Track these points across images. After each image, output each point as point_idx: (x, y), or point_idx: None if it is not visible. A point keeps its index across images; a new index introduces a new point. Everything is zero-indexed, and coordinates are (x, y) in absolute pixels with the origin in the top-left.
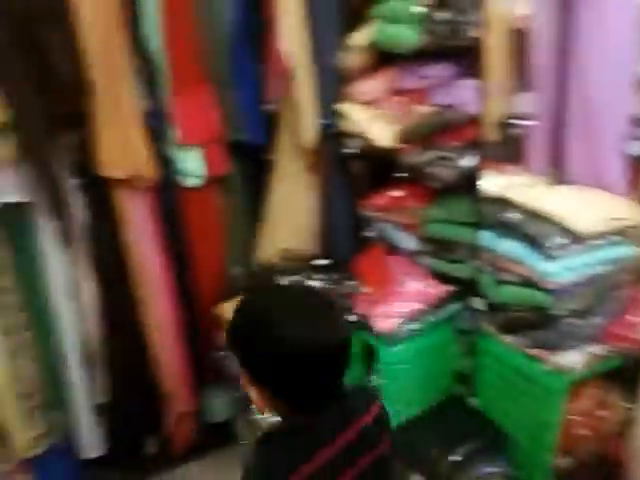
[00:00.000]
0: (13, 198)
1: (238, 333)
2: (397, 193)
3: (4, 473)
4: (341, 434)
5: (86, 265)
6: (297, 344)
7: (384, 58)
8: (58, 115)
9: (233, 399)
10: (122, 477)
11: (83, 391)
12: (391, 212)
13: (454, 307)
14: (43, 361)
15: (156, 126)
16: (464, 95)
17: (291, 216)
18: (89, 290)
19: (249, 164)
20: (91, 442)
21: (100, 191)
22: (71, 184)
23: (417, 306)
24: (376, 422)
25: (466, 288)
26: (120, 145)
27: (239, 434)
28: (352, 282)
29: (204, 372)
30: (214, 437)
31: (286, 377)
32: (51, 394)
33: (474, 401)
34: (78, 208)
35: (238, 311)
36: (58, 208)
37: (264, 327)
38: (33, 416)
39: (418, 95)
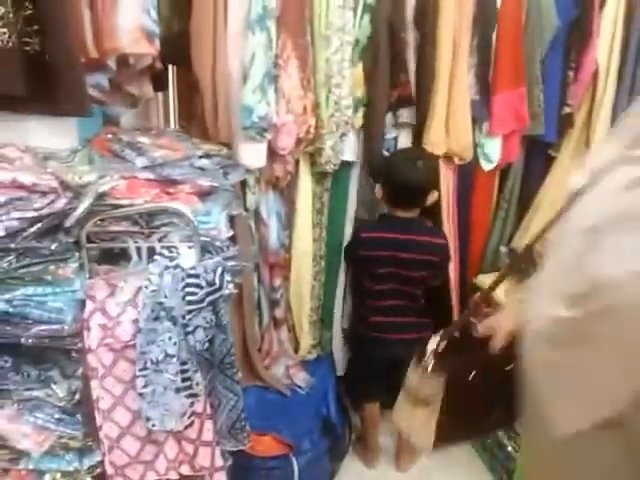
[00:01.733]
0: (348, 157)
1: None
2: None
3: (288, 366)
4: (400, 233)
5: None
6: (397, 176)
7: None
8: (396, 98)
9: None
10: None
11: (344, 318)
12: None
13: None
14: (327, 286)
15: (477, 114)
16: None
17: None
18: None
19: (532, 156)
20: (338, 360)
21: None
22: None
23: None
24: (429, 244)
25: None
26: (447, 127)
27: None
28: None
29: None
30: None
31: (389, 188)
32: (325, 314)
33: None
34: None
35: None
36: (377, 172)
37: (388, 166)
38: (313, 327)
39: None
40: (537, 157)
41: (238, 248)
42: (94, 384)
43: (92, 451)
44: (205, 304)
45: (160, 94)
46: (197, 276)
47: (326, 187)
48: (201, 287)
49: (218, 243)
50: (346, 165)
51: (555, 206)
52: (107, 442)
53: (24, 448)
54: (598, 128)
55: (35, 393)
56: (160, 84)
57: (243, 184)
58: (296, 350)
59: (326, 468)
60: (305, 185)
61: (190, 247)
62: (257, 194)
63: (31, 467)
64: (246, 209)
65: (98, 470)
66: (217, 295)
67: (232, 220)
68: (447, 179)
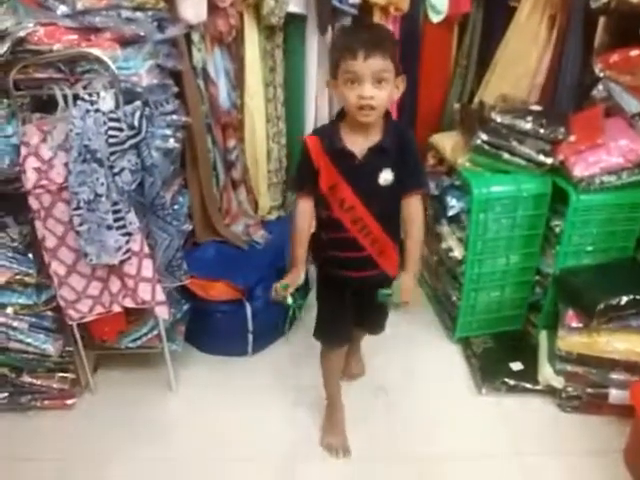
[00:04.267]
0: (294, 8)
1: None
2: (633, 53)
3: (248, 224)
4: None
5: None
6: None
7: None
8: None
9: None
10: None
11: None
12: (623, 72)
13: None
14: (288, 148)
15: None
16: None
17: (520, 65)
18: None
19: (492, 8)
20: None
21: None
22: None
23: (619, 161)
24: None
25: None
26: None
27: None
28: (561, 128)
29: None
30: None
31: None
32: (289, 176)
33: None
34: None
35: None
36: (324, 24)
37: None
38: (274, 189)
39: None
40: (497, 9)
41: (184, 103)
42: (38, 225)
43: (47, 287)
44: (127, 146)
45: None
46: (117, 120)
47: (277, 43)
48: (122, 130)
49: (139, 89)
50: (297, 19)
51: (515, 60)
52: (56, 279)
53: None
54: None
55: None
56: None
57: (189, 41)
58: (256, 210)
59: (281, 314)
60: (252, 40)
61: (109, 92)
62: (203, 51)
63: None
64: (193, 67)
65: (54, 304)
66: (138, 138)
67: (178, 77)
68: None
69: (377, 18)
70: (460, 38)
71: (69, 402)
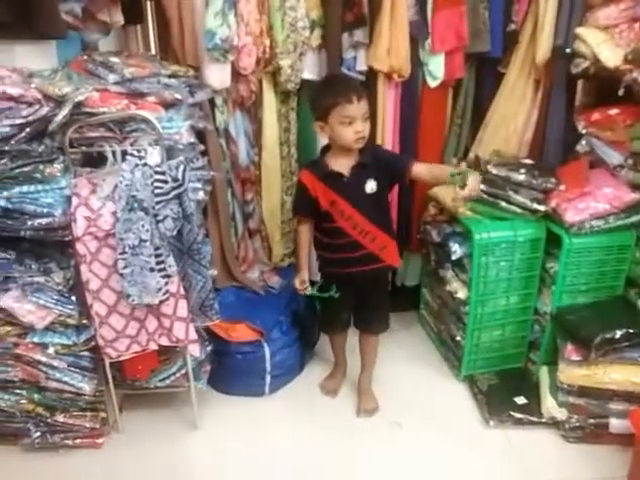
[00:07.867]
0: (307, 76)
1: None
2: (612, 111)
3: (263, 271)
4: None
5: None
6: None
7: None
8: (352, 19)
9: (426, 269)
10: None
11: None
12: (604, 128)
13: None
14: None
15: (417, 34)
16: None
17: (510, 123)
18: None
19: (483, 73)
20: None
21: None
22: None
23: (606, 207)
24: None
25: None
26: (388, 45)
27: (422, 301)
28: (551, 179)
29: (410, 240)
30: (402, 298)
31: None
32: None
33: None
34: None
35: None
36: None
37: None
38: (286, 238)
39: None
40: (488, 74)
41: (208, 159)
42: (83, 269)
43: (87, 328)
44: (171, 197)
45: (139, 26)
46: (163, 173)
47: (292, 106)
48: (166, 182)
49: (180, 146)
50: (310, 84)
51: (505, 120)
52: (97, 319)
53: (28, 322)
54: (542, 43)
55: (36, 279)
56: (137, 17)
57: (212, 105)
58: (270, 258)
59: (296, 355)
60: (270, 104)
61: (155, 148)
62: (225, 114)
63: (36, 340)
64: (216, 128)
65: (92, 343)
66: (181, 189)
67: (203, 137)
68: (387, 95)
69: (381, 84)
70: (455, 100)
71: (99, 441)
